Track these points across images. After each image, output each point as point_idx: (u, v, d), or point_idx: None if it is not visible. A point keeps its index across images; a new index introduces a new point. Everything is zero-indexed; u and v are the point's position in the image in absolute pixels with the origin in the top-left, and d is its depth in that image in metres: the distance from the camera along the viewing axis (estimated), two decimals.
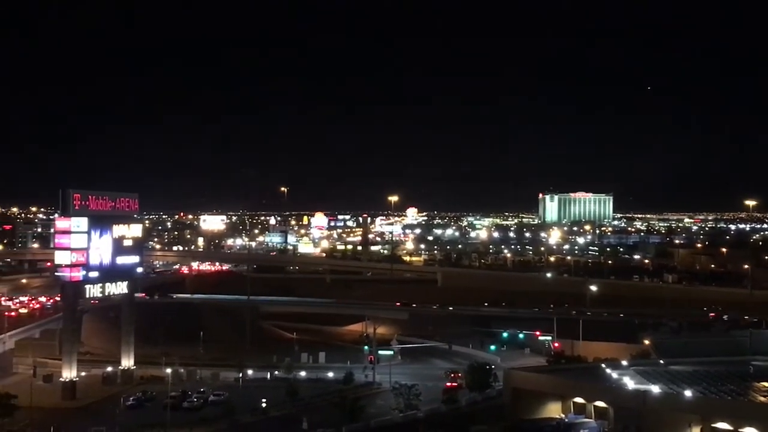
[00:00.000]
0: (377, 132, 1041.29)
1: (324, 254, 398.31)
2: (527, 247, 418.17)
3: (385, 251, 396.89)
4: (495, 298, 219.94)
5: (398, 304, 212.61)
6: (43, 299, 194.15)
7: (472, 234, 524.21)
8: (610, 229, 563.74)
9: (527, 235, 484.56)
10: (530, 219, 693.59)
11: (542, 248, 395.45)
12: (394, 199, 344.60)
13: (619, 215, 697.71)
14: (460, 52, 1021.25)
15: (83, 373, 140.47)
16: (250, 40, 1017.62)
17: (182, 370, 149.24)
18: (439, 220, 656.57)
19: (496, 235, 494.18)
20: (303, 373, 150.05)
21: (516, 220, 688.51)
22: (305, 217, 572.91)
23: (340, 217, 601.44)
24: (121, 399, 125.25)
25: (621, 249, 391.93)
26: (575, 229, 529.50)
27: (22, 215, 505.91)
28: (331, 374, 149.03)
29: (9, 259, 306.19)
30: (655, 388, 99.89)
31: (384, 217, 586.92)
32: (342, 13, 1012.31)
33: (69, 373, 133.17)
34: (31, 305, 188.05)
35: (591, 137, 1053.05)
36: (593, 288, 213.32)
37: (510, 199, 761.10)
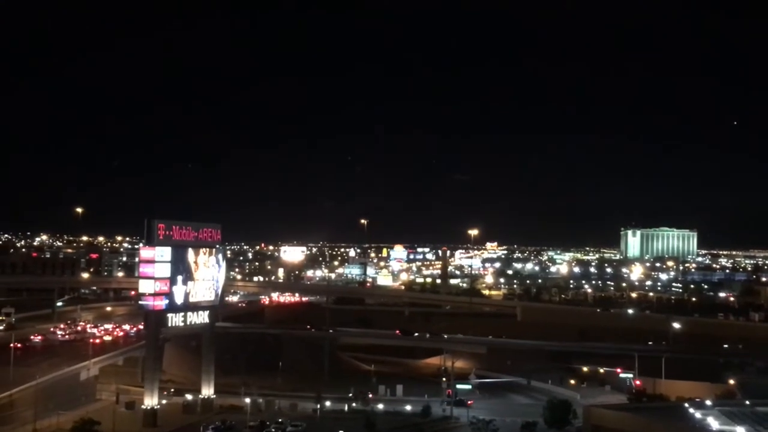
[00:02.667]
0: (459, 164, 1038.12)
1: (403, 287, 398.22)
2: (608, 282, 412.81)
3: (465, 285, 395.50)
4: (575, 334, 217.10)
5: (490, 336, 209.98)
6: (126, 327, 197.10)
7: (553, 269, 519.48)
8: (694, 265, 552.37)
9: (608, 270, 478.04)
10: (612, 254, 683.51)
11: (624, 284, 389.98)
12: (474, 232, 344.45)
13: (703, 251, 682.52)
14: (544, 81, 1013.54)
15: (164, 401, 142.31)
16: (329, 69, 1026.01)
17: (261, 400, 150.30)
18: (519, 254, 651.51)
19: (576, 270, 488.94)
20: (380, 406, 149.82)
21: (597, 255, 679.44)
22: (384, 250, 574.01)
23: (420, 249, 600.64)
24: (201, 427, 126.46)
25: (705, 286, 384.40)
26: (658, 265, 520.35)
27: (109, 244, 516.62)
28: (408, 407, 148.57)
29: (95, 287, 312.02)
30: (741, 430, 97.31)
31: (463, 251, 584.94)
32: (433, 42, 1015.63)
33: (150, 401, 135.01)
34: (115, 333, 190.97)
35: (675, 172, 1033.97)
36: (676, 325, 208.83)
37: (591, 234, 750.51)
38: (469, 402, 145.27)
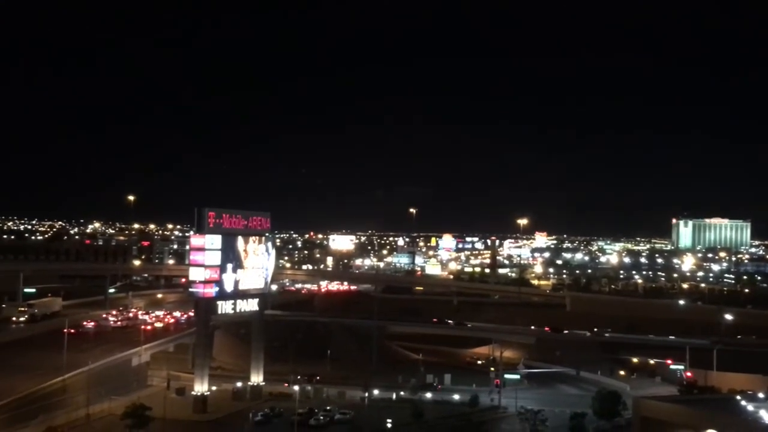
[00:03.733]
0: (509, 153, 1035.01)
1: (451, 276, 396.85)
2: (659, 273, 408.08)
3: (513, 274, 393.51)
4: (625, 325, 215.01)
5: (547, 329, 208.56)
6: (177, 314, 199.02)
7: (602, 259, 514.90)
8: (747, 256, 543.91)
9: (659, 261, 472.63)
10: (663, 245, 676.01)
11: (675, 275, 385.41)
12: (523, 222, 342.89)
13: (757, 242, 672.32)
14: (597, 75, 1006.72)
15: (214, 388, 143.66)
16: (378, 57, 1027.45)
17: (309, 387, 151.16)
18: (569, 244, 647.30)
19: (626, 260, 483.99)
20: (428, 395, 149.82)
21: (648, 246, 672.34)
22: (433, 239, 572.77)
23: (469, 239, 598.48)
24: (250, 414, 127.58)
25: (759, 277, 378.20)
26: (710, 255, 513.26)
27: (160, 232, 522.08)
28: (456, 396, 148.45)
29: (146, 275, 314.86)
30: None
31: (513, 240, 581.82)
32: (477, 39, 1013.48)
33: (201, 387, 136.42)
34: (165, 320, 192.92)
35: (729, 163, 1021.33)
36: (728, 317, 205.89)
37: (642, 224, 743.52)
38: (438, 387, 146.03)
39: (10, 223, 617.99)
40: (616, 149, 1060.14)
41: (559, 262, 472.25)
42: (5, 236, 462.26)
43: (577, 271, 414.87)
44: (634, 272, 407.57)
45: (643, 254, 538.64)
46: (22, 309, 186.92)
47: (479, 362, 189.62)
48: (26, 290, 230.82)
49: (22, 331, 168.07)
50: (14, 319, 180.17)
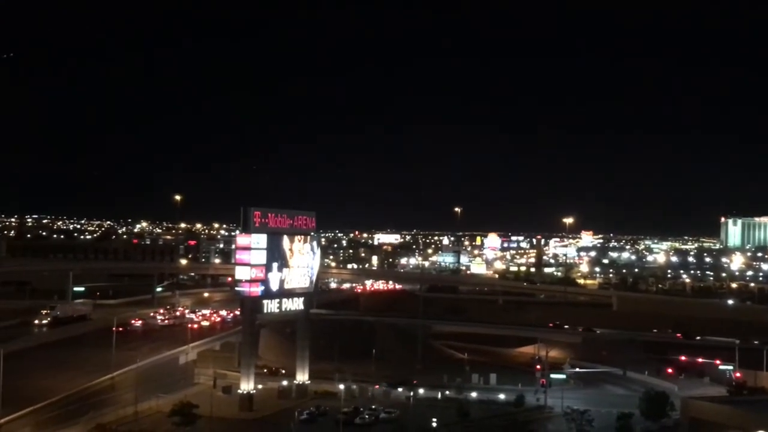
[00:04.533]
0: (554, 153, 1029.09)
1: (496, 275, 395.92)
2: (707, 272, 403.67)
3: (559, 274, 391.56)
4: (672, 325, 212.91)
5: (581, 329, 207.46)
6: (223, 313, 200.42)
7: (650, 258, 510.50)
8: None
9: (707, 260, 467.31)
10: (711, 244, 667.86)
11: (723, 274, 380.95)
12: (568, 221, 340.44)
13: None
14: (642, 75, 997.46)
15: (260, 386, 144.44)
16: (421, 57, 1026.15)
17: (354, 386, 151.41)
18: (615, 243, 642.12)
19: (674, 259, 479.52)
20: (474, 394, 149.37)
21: (696, 245, 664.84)
22: (478, 238, 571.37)
23: (514, 238, 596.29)
24: (296, 413, 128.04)
25: None
26: (760, 254, 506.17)
27: (206, 231, 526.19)
28: (502, 396, 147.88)
29: (193, 273, 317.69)
30: None
31: (558, 239, 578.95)
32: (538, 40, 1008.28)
33: (247, 386, 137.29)
34: (212, 318, 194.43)
35: None
36: None
37: (690, 223, 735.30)
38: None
39: (59, 223, 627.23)
40: (665, 148, 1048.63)
41: (606, 261, 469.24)
42: (55, 236, 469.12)
43: (624, 271, 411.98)
44: (681, 271, 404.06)
45: (691, 253, 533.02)
46: (45, 312, 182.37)
47: (533, 358, 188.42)
48: (75, 289, 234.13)
49: (36, 337, 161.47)
50: (36, 322, 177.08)
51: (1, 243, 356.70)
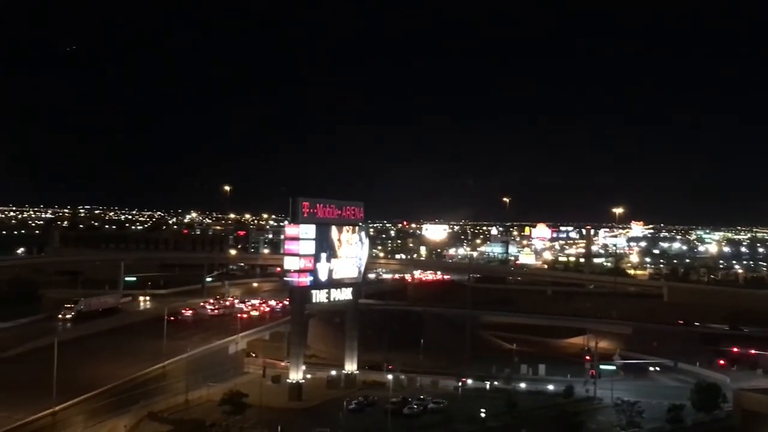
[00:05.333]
0: (604, 142, 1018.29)
1: (545, 266, 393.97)
2: (761, 262, 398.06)
3: (609, 264, 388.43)
4: (725, 316, 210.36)
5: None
6: (272, 303, 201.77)
7: (701, 248, 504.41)
8: None
9: (761, 250, 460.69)
10: (765, 233, 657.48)
11: None
12: (618, 211, 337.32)
13: None
14: (694, 64, 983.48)
15: (309, 376, 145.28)
16: (472, 51, 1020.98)
17: (403, 376, 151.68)
18: (666, 233, 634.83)
19: (727, 249, 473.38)
20: (522, 385, 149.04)
21: (749, 235, 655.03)
22: (527, 228, 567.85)
23: (563, 228, 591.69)
24: (344, 402, 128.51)
25: None
26: None
27: (255, 222, 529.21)
28: (551, 387, 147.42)
29: (242, 264, 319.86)
30: None
31: (608, 230, 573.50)
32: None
33: (296, 375, 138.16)
34: (261, 308, 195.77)
35: None
36: None
37: (743, 213, 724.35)
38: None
39: (111, 214, 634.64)
40: (717, 137, 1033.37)
41: (656, 251, 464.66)
42: (107, 226, 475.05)
43: (675, 261, 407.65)
44: (734, 262, 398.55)
45: (744, 243, 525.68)
46: (69, 306, 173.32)
47: (582, 349, 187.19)
48: (127, 279, 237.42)
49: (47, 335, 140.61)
50: (60, 316, 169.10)
51: (54, 233, 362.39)
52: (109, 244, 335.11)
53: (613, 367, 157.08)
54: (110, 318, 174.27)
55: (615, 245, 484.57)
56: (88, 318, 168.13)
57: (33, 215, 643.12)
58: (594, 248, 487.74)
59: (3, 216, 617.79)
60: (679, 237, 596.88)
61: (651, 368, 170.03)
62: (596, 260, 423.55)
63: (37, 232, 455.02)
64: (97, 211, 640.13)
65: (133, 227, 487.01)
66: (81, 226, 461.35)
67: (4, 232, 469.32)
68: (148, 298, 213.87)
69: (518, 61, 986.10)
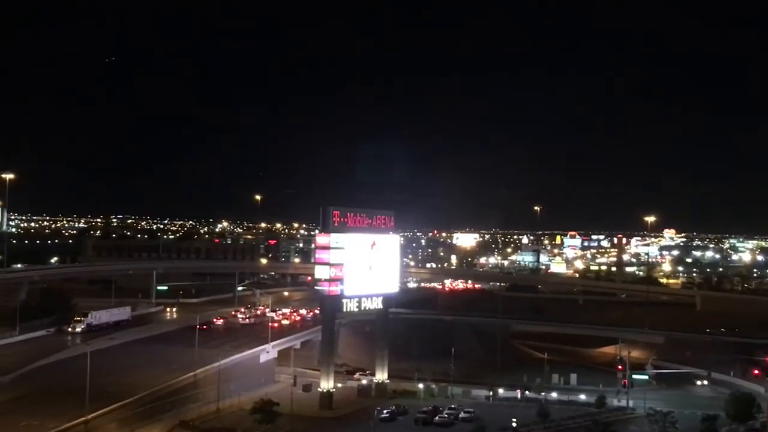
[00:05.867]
0: (633, 150, 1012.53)
1: (576, 274, 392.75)
2: None
3: (641, 273, 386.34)
4: (759, 325, 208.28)
5: None
6: (303, 311, 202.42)
7: (735, 257, 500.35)
8: None
9: None
10: None
11: None
12: (650, 219, 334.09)
13: None
14: (725, 61, 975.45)
15: (339, 385, 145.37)
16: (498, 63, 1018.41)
17: (434, 385, 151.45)
18: (699, 242, 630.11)
19: (760, 258, 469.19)
20: (554, 394, 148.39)
21: None
22: (558, 237, 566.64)
23: (594, 236, 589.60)
24: (375, 411, 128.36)
25: None
26: None
27: (286, 231, 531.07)
28: (582, 396, 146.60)
29: (273, 273, 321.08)
30: None
31: (640, 238, 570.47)
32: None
33: (326, 384, 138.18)
34: (292, 317, 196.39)
35: None
36: None
37: None
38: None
39: (143, 223, 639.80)
40: (751, 144, 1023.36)
41: (689, 260, 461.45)
42: (139, 236, 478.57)
43: (708, 270, 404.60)
44: None
45: None
46: (78, 319, 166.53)
47: (614, 358, 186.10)
48: (159, 287, 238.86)
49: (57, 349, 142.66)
50: (70, 330, 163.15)
51: (87, 243, 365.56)
52: (141, 254, 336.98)
53: (646, 377, 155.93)
54: (141, 327, 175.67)
55: (647, 254, 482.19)
56: (99, 331, 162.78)
57: (66, 225, 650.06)
58: (626, 257, 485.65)
59: (37, 225, 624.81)
60: (712, 245, 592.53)
61: (697, 380, 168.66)
62: (628, 269, 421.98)
63: (70, 241, 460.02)
64: (129, 221, 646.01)
65: (165, 236, 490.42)
66: (114, 235, 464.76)
67: (38, 242, 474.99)
68: (174, 308, 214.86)
69: (548, 71, 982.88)
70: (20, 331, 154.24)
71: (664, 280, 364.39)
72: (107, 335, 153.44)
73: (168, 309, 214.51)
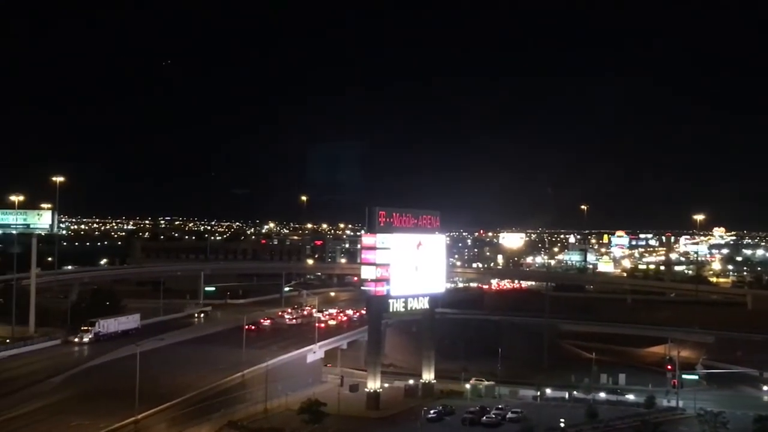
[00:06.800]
0: (683, 148, 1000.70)
1: (624, 274, 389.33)
2: None
3: (690, 272, 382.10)
4: None
5: None
6: (350, 312, 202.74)
7: None
8: None
9: None
10: None
11: None
12: (699, 217, 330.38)
13: None
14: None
15: (386, 385, 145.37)
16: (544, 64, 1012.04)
17: (481, 386, 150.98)
18: (749, 240, 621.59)
19: None
20: (602, 395, 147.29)
21: None
22: (605, 236, 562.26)
23: (642, 235, 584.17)
24: (422, 411, 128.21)
25: None
26: None
27: (332, 231, 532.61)
28: (631, 397, 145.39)
29: (319, 273, 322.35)
30: None
31: (689, 237, 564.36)
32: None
33: (373, 384, 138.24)
34: (338, 317, 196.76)
35: None
36: None
37: None
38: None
39: (191, 224, 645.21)
40: None
41: (740, 258, 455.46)
42: (187, 237, 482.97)
43: (759, 268, 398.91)
44: None
45: None
46: (85, 328, 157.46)
47: (664, 358, 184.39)
48: (206, 288, 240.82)
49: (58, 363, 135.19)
50: (76, 340, 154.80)
51: (136, 244, 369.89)
52: (189, 255, 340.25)
53: (696, 377, 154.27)
54: (197, 326, 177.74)
55: (696, 252, 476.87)
56: (107, 341, 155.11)
57: (115, 227, 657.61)
58: (674, 256, 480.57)
59: (87, 228, 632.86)
60: (763, 244, 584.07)
61: (750, 380, 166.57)
62: (677, 268, 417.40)
63: (119, 243, 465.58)
64: (177, 222, 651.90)
65: (212, 238, 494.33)
66: (162, 237, 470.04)
67: (87, 244, 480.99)
68: (209, 308, 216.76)
69: (597, 72, 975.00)
70: (36, 340, 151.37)
71: (714, 279, 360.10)
72: (115, 343, 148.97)
73: (201, 310, 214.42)
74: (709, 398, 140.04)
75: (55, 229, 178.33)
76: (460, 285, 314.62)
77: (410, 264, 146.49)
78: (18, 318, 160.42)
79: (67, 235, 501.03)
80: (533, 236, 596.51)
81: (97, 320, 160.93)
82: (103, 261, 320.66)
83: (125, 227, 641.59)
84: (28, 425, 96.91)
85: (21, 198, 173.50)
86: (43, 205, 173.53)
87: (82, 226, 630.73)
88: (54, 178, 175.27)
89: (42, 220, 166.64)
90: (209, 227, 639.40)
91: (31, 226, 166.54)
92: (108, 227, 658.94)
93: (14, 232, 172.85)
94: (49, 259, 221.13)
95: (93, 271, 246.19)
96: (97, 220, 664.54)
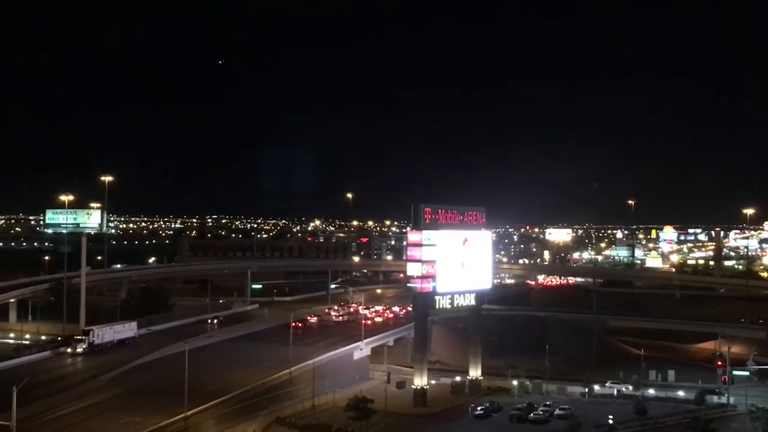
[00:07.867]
0: (733, 142, 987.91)
1: (673, 269, 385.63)
2: None
3: (740, 266, 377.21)
4: None
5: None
6: (396, 309, 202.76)
7: None
8: None
9: None
10: None
11: None
12: (750, 211, 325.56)
13: None
14: None
15: (433, 382, 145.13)
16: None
17: (528, 382, 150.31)
18: None
19: None
20: (651, 391, 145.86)
21: None
22: (653, 231, 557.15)
23: (691, 230, 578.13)
24: (469, 408, 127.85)
25: None
26: None
27: (378, 228, 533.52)
28: (681, 393, 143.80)
29: (365, 270, 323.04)
30: None
31: (738, 231, 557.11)
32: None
33: (420, 381, 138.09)
34: (385, 314, 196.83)
35: None
36: None
37: None
38: None
39: (237, 223, 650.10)
40: None
41: None
42: (233, 235, 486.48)
43: None
44: None
45: None
46: (78, 338, 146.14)
47: (714, 354, 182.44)
48: (253, 286, 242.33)
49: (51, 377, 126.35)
50: (69, 351, 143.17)
51: (183, 243, 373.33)
52: (235, 253, 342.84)
53: (747, 373, 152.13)
54: (245, 323, 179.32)
55: (746, 247, 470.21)
56: (102, 351, 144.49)
57: (163, 225, 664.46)
58: (724, 251, 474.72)
59: (135, 226, 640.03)
60: None
61: None
62: (727, 263, 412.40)
63: (167, 241, 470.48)
64: (223, 221, 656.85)
65: (258, 236, 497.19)
66: (209, 235, 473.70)
67: (136, 242, 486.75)
68: (249, 306, 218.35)
69: (648, 73, 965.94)
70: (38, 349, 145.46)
71: (764, 274, 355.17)
72: (112, 353, 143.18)
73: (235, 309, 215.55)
74: (760, 395, 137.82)
75: (104, 228, 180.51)
76: (507, 281, 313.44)
77: (456, 260, 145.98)
78: (69, 316, 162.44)
79: (116, 234, 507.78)
80: (580, 232, 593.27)
81: (92, 329, 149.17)
82: (152, 259, 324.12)
83: (173, 226, 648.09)
84: (79, 423, 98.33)
85: (71, 197, 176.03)
86: (92, 205, 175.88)
87: (131, 225, 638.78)
88: (103, 178, 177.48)
89: (91, 219, 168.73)
90: (255, 225, 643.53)
91: (81, 225, 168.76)
92: (156, 226, 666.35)
93: (64, 231, 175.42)
94: (99, 257, 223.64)
95: (141, 270, 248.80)
96: (145, 218, 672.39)
